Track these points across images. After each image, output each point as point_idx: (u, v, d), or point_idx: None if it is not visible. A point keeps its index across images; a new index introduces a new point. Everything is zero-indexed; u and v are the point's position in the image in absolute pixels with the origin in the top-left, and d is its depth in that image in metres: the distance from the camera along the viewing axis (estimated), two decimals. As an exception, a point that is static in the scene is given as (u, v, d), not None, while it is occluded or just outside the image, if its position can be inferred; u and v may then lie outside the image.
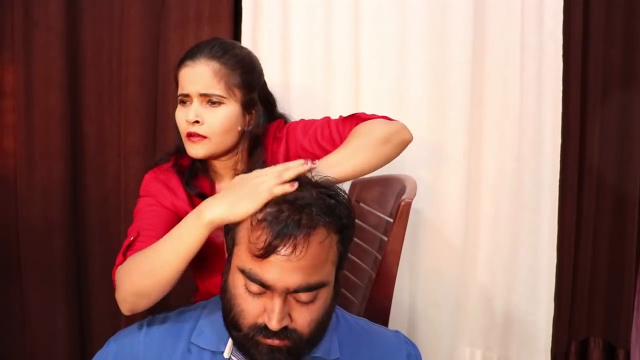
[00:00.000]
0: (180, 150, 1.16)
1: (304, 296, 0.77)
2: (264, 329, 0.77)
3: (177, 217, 1.06)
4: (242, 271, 0.77)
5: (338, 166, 1.00)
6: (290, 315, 0.77)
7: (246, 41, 1.59)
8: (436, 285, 1.74)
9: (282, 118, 1.22)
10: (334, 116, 1.19)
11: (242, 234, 0.79)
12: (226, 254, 0.83)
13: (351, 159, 1.02)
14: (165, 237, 0.91)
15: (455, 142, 1.70)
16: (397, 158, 1.71)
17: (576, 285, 1.89)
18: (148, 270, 0.91)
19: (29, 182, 1.58)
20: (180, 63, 1.10)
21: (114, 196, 1.64)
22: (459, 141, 1.70)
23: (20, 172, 1.58)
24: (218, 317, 0.85)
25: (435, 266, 1.73)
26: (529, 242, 1.75)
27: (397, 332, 0.96)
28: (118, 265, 1.00)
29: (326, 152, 1.11)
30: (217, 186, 1.16)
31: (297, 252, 0.74)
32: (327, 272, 0.78)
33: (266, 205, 0.78)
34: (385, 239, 1.28)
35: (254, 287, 0.76)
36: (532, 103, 1.71)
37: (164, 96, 1.61)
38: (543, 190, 1.73)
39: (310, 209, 0.76)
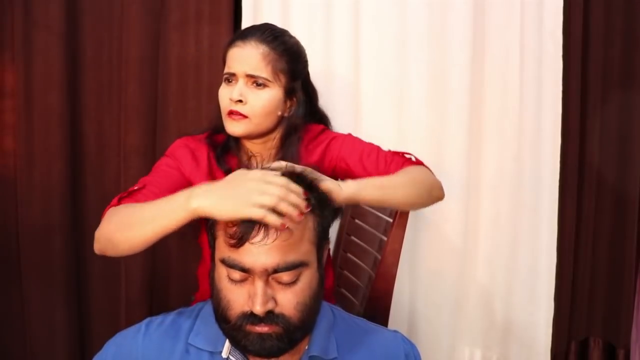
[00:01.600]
0: (217, 129, 1.19)
1: (284, 276, 0.78)
2: (250, 316, 0.78)
3: (188, 186, 1.03)
4: (222, 261, 0.79)
5: (382, 189, 1.03)
6: (275, 300, 0.78)
7: (246, 41, 1.59)
8: (436, 285, 1.74)
9: (325, 119, 1.28)
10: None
11: (219, 227, 0.81)
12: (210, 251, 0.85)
13: (397, 190, 1.05)
14: (154, 202, 0.92)
15: (455, 142, 1.70)
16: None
17: (576, 285, 1.89)
18: (126, 225, 0.94)
19: (28, 182, 1.58)
20: (231, 43, 1.14)
21: (114, 196, 1.63)
22: (459, 141, 1.70)
23: (20, 172, 1.58)
24: (215, 319, 0.85)
25: (435, 266, 1.73)
26: (529, 242, 1.75)
27: (395, 331, 0.96)
28: (111, 206, 1.03)
29: (366, 173, 1.14)
30: None
31: (270, 234, 0.76)
32: (305, 252, 0.80)
33: None
34: (385, 239, 1.29)
35: (236, 275, 0.78)
36: (532, 103, 1.71)
37: (164, 96, 1.61)
38: (543, 190, 1.73)
39: None
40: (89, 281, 1.67)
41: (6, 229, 1.60)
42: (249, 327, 0.78)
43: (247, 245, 0.77)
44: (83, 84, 1.61)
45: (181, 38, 1.60)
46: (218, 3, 1.60)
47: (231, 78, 1.13)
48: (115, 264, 1.64)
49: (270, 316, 0.78)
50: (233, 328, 0.79)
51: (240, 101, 1.11)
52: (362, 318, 0.97)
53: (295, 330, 0.80)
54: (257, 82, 1.11)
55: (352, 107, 1.67)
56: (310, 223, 0.81)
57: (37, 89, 1.56)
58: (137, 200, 1.03)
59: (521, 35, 1.70)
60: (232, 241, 0.77)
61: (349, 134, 1.26)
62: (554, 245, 1.75)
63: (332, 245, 1.62)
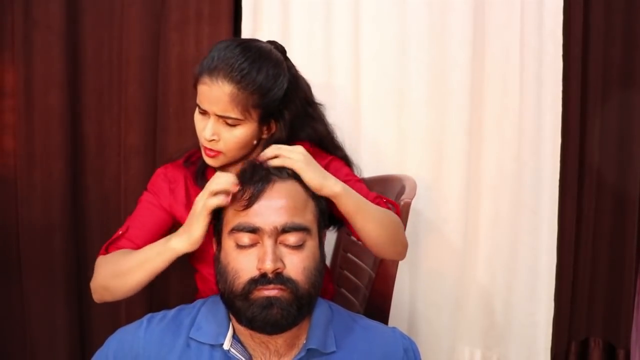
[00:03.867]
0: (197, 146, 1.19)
1: (291, 237, 0.83)
2: (259, 280, 0.81)
3: (171, 219, 1.17)
4: (232, 230, 0.84)
5: (359, 205, 1.01)
6: (282, 262, 0.82)
7: (246, 41, 1.59)
8: (436, 285, 1.74)
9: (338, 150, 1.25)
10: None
11: (228, 208, 0.88)
12: (215, 244, 0.91)
13: (370, 216, 1.03)
14: (141, 250, 1.03)
15: (455, 142, 1.70)
16: (396, 158, 1.73)
17: (576, 285, 1.89)
18: (118, 273, 1.04)
19: (29, 182, 1.58)
20: (200, 74, 1.08)
21: (114, 196, 1.64)
22: (459, 141, 1.70)
23: (20, 172, 1.58)
24: (216, 312, 0.87)
25: (435, 266, 1.73)
26: (529, 242, 1.75)
27: (393, 327, 0.96)
28: (100, 255, 1.11)
29: None
30: None
31: (276, 193, 0.85)
32: (309, 220, 0.87)
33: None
34: (385, 239, 1.28)
35: (245, 239, 0.83)
36: (532, 103, 1.71)
37: (164, 96, 1.61)
38: (543, 190, 1.73)
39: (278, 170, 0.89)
40: (89, 281, 1.66)
41: (6, 229, 1.60)
42: (257, 292, 0.81)
43: (255, 207, 0.83)
44: (83, 84, 1.61)
45: (181, 38, 1.60)
46: (218, 3, 1.59)
47: (204, 111, 1.10)
48: (115, 264, 1.64)
49: (279, 277, 0.81)
50: (241, 297, 0.82)
51: (214, 139, 1.09)
52: (360, 315, 0.98)
53: (303, 296, 0.82)
54: (227, 123, 1.08)
55: (352, 107, 1.67)
56: (311, 202, 0.90)
57: (37, 89, 1.56)
58: (123, 246, 1.11)
59: (521, 35, 1.70)
60: (244, 203, 0.84)
61: (347, 166, 1.23)
62: (554, 245, 1.75)
63: (332, 246, 1.62)
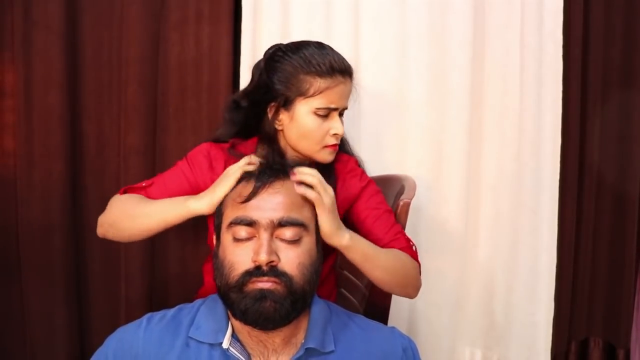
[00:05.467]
0: (247, 134, 1.24)
1: (288, 233, 0.84)
2: (254, 272, 0.82)
3: (193, 189, 1.18)
4: (230, 224, 0.86)
5: (365, 257, 1.05)
6: (277, 255, 0.83)
7: (246, 41, 1.59)
8: (436, 285, 1.74)
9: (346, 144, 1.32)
10: None
11: (227, 202, 0.91)
12: (214, 237, 0.93)
13: (377, 266, 1.07)
14: (158, 201, 1.11)
15: (455, 142, 1.70)
16: (396, 158, 1.73)
17: (576, 285, 1.89)
18: (130, 214, 1.11)
19: (28, 182, 1.58)
20: (328, 75, 1.15)
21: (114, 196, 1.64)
22: (459, 141, 1.70)
23: (20, 172, 1.58)
24: (215, 311, 0.87)
25: (435, 266, 1.73)
26: (529, 242, 1.75)
27: (392, 327, 0.96)
28: (116, 194, 1.19)
29: (365, 223, 1.19)
30: None
31: (276, 188, 0.87)
32: (306, 217, 0.89)
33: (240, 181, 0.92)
34: (385, 239, 1.28)
35: (242, 232, 0.84)
36: (532, 103, 1.71)
37: (164, 96, 1.61)
38: (543, 190, 1.73)
39: (281, 164, 0.94)
40: (89, 281, 1.67)
41: (6, 229, 1.59)
42: (251, 284, 0.82)
43: (254, 202, 0.85)
44: (83, 84, 1.61)
45: (181, 38, 1.60)
46: (218, 3, 1.59)
47: (328, 112, 1.16)
48: (115, 264, 1.64)
49: (273, 270, 0.82)
50: (234, 288, 0.83)
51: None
52: (359, 314, 0.98)
53: (296, 291, 0.83)
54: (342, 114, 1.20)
55: (352, 107, 1.67)
56: (308, 202, 0.90)
57: (37, 89, 1.56)
58: (142, 194, 1.17)
59: (521, 35, 1.70)
60: (243, 197, 0.86)
61: (376, 186, 1.27)
62: (554, 245, 1.75)
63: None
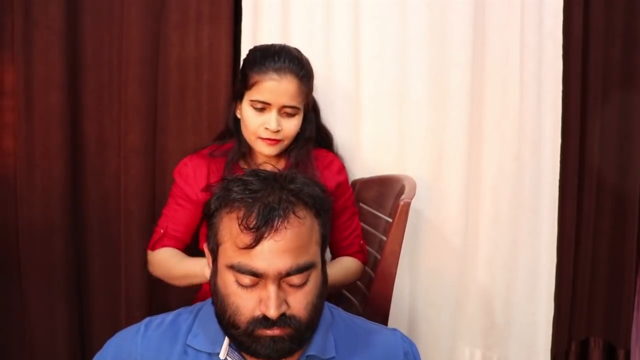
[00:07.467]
0: (221, 137, 1.38)
1: (296, 279, 0.79)
2: (262, 321, 0.78)
3: (197, 208, 1.28)
4: (232, 267, 0.79)
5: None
6: (286, 302, 0.78)
7: (246, 41, 1.59)
8: (436, 285, 1.74)
9: (329, 138, 1.45)
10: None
11: (225, 232, 0.81)
12: (210, 259, 0.86)
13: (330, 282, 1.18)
14: (187, 262, 1.26)
15: (455, 142, 1.70)
16: (396, 158, 1.73)
17: (576, 285, 1.89)
18: (168, 276, 1.29)
19: (28, 182, 1.58)
20: (261, 71, 1.22)
21: (114, 196, 1.64)
22: (459, 141, 1.70)
23: (20, 172, 1.57)
24: (213, 318, 0.85)
25: (435, 266, 1.72)
26: (529, 242, 1.75)
27: (394, 329, 0.96)
28: (149, 249, 1.33)
29: (337, 231, 1.34)
30: None
31: (282, 234, 0.77)
32: (314, 253, 0.82)
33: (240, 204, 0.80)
34: (385, 239, 1.29)
35: (246, 280, 0.78)
36: (532, 103, 1.71)
37: (164, 96, 1.61)
38: (543, 190, 1.73)
39: (283, 195, 0.80)
40: (89, 281, 1.67)
41: (6, 229, 1.59)
42: (260, 332, 0.78)
43: (258, 249, 0.77)
44: (83, 84, 1.61)
45: (181, 38, 1.60)
46: (218, 3, 1.59)
47: (264, 106, 1.23)
48: (115, 264, 1.64)
49: (282, 319, 0.78)
50: (244, 334, 0.79)
51: (278, 130, 1.23)
52: (360, 317, 0.98)
53: (306, 330, 0.81)
54: (288, 112, 1.24)
55: (352, 107, 1.67)
56: (316, 226, 0.83)
57: (37, 89, 1.56)
58: (167, 244, 1.31)
59: (521, 35, 1.70)
60: (246, 243, 0.77)
61: (348, 184, 1.39)
62: (554, 245, 1.75)
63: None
